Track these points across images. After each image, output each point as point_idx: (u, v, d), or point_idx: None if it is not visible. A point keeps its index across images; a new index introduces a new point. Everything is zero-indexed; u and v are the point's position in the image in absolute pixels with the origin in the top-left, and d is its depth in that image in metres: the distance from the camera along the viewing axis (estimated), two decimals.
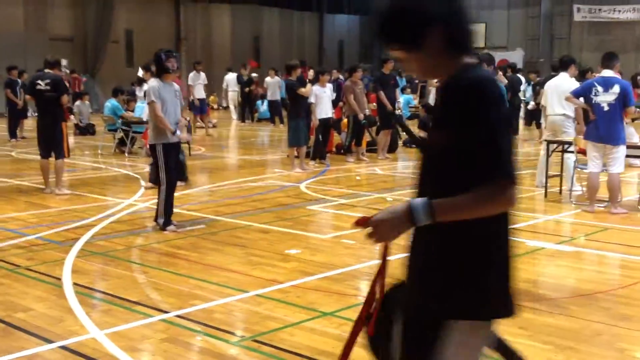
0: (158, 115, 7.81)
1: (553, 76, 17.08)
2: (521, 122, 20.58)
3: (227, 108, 28.19)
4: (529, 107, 18.33)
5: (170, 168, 7.91)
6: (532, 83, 19.04)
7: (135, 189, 10.73)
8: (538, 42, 34.22)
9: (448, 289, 2.29)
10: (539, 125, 18.87)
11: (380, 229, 2.26)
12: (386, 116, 14.57)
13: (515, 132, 18.62)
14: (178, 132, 8.05)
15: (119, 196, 10.21)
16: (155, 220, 8.08)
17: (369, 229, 2.27)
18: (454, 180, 2.24)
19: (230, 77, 25.47)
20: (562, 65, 10.73)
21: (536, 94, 18.59)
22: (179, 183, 10.63)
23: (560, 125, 10.25)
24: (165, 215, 7.92)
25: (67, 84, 12.21)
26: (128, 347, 4.56)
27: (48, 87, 10.34)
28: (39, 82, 10.43)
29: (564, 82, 10.24)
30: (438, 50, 2.31)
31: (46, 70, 10.66)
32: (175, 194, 8.25)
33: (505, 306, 2.34)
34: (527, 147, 17.34)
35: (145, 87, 9.63)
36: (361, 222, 2.29)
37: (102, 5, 29.39)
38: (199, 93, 20.57)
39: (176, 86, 8.21)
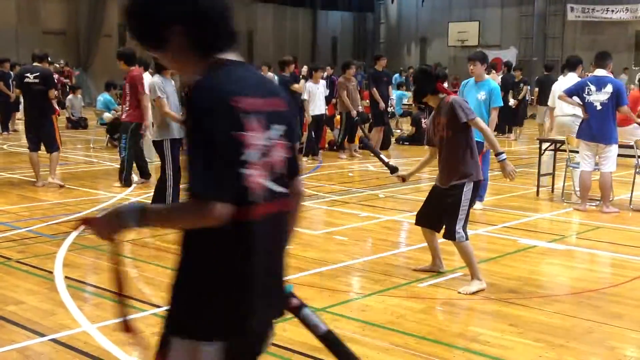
0: (167, 112, 7.93)
1: (545, 75, 17.18)
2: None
3: None
4: (510, 103, 18.25)
5: (176, 164, 7.94)
6: (515, 80, 18.96)
7: (127, 183, 10.68)
8: (531, 40, 34.28)
9: (174, 305, 2.29)
10: (521, 123, 18.91)
11: (96, 228, 2.26)
12: (379, 113, 14.60)
13: (510, 130, 18.66)
14: None
15: (111, 190, 10.18)
16: None
17: (91, 228, 2.28)
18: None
19: None
20: (570, 66, 10.69)
21: (518, 91, 18.60)
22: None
23: (570, 127, 10.09)
24: None
25: (64, 77, 12.18)
26: (120, 341, 4.54)
27: (37, 80, 10.31)
28: (28, 75, 10.40)
29: (572, 83, 10.11)
30: (183, 50, 2.21)
31: (35, 64, 10.64)
32: None
33: (233, 328, 2.20)
34: (515, 145, 17.37)
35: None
36: (84, 223, 2.32)
37: None
38: None
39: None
